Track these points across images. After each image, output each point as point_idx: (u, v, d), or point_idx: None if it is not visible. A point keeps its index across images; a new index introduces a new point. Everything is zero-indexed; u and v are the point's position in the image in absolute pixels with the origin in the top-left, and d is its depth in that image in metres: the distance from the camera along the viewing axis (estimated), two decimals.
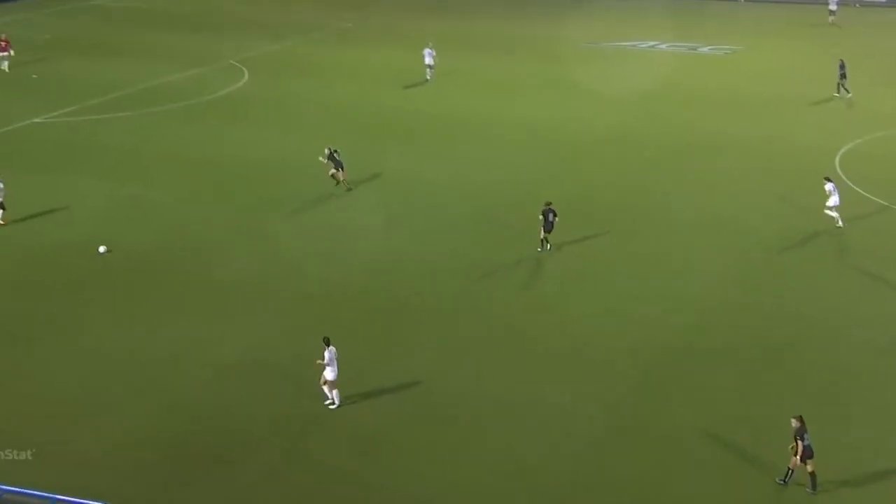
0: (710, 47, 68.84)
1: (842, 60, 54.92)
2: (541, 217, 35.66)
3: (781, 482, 22.96)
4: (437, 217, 39.13)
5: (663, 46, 69.48)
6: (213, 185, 41.89)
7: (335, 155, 40.64)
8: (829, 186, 38.00)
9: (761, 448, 24.38)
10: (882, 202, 40.34)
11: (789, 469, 22.84)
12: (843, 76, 54.69)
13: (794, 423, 22.63)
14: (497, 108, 54.07)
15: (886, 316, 31.13)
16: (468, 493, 22.97)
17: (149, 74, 58.88)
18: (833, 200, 37.86)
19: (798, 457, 22.49)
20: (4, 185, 37.32)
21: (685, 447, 24.71)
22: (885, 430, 25.28)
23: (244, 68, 61.12)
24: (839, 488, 22.95)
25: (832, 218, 37.87)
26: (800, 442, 22.45)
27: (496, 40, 70.29)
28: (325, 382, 26.09)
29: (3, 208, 37.01)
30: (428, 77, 59.21)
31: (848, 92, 54.35)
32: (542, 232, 35.71)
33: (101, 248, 35.32)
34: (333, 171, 40.63)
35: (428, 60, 58.98)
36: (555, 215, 35.49)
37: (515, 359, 28.78)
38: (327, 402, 26.15)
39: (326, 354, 25.88)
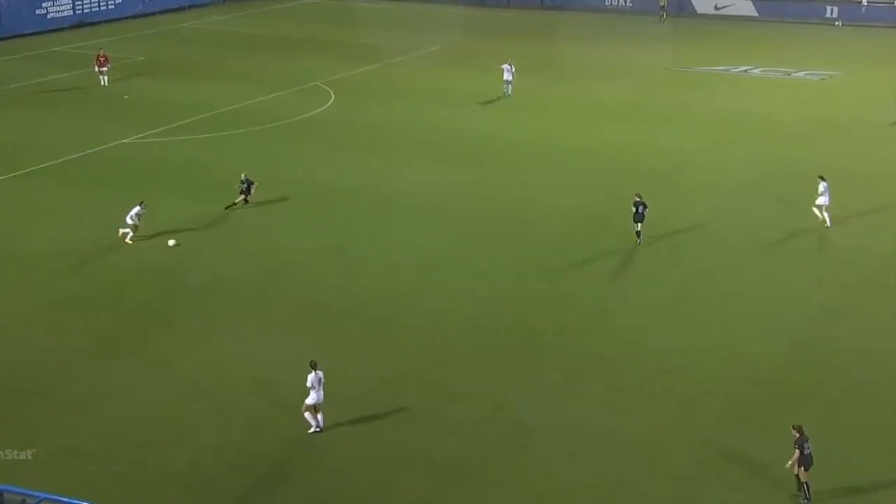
0: (805, 72, 67.16)
1: None
2: (632, 208, 36.89)
3: (805, 501, 22.85)
4: (514, 243, 38.52)
5: (756, 71, 67.98)
6: (298, 207, 41.85)
7: (247, 183, 40.87)
8: (822, 186, 38.62)
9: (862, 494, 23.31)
10: None
11: (804, 483, 22.79)
12: None
13: (794, 433, 22.77)
14: (580, 132, 53.34)
15: None
16: None
17: (235, 96, 59.41)
18: (823, 200, 38.62)
19: (799, 465, 22.64)
20: (143, 208, 37.64)
21: (765, 486, 23.69)
22: None
23: (330, 90, 61.36)
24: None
25: (820, 217, 38.82)
26: (797, 451, 22.60)
27: (583, 63, 69.52)
28: (307, 409, 25.35)
29: (135, 229, 37.56)
30: (508, 92, 59.55)
31: None
32: (636, 224, 36.99)
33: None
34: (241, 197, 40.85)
35: (507, 76, 59.51)
36: (644, 207, 36.79)
37: (595, 388, 28.01)
38: (311, 429, 25.52)
39: (310, 378, 25.18)
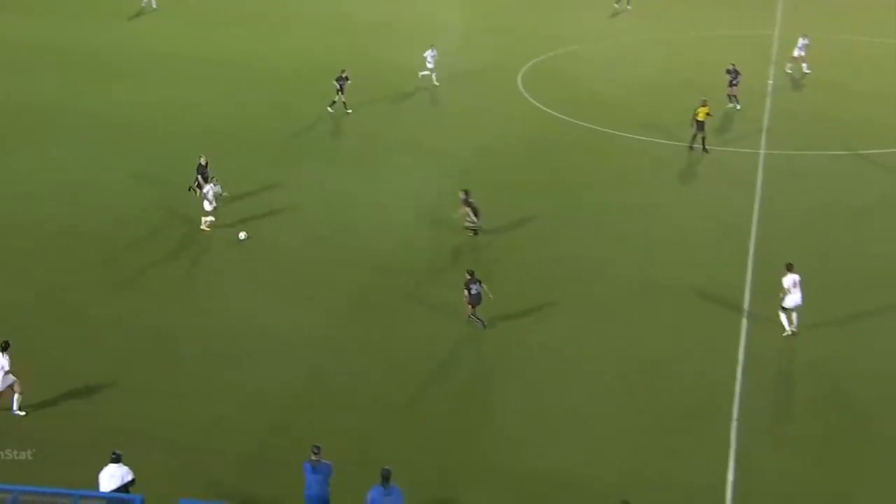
0: None
1: (733, 66, 44.16)
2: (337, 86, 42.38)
3: (481, 327, 26.66)
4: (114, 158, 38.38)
5: None
6: None
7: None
8: (429, 52, 46.10)
9: None
10: (562, 117, 43.40)
11: (475, 317, 26.63)
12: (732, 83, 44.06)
13: (466, 275, 26.55)
14: (195, 42, 53.60)
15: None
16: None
17: None
18: (429, 64, 45.93)
19: (469, 304, 26.47)
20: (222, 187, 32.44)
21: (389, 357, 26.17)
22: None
23: None
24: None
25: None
26: (466, 291, 26.41)
27: None
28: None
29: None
30: (154, 5, 59.12)
31: (736, 101, 44.19)
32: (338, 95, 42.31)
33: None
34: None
35: None
36: (347, 78, 42.37)
37: (231, 288, 29.21)
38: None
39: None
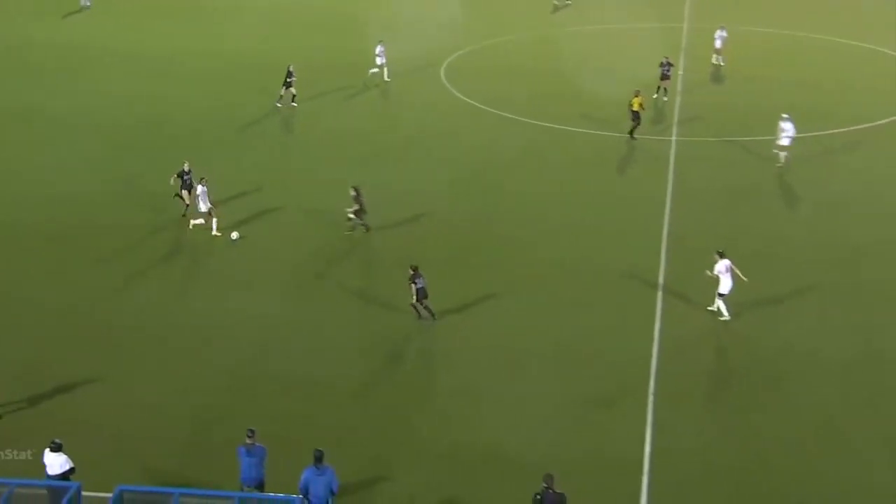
0: None
1: (667, 59, 45.39)
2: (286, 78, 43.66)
3: (431, 319, 27.09)
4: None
5: None
6: None
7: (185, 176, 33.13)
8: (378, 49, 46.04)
9: None
10: (482, 107, 44.49)
11: (414, 308, 27.06)
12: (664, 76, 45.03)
13: (410, 271, 26.88)
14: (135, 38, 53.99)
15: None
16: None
17: None
18: (380, 61, 46.29)
19: (414, 297, 26.84)
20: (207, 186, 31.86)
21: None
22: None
23: None
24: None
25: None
26: (412, 285, 26.77)
27: None
28: None
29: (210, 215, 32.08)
30: (87, 3, 59.06)
31: (665, 93, 45.52)
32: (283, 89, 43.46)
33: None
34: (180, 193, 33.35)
35: None
36: (292, 73, 43.24)
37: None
38: None
39: None
